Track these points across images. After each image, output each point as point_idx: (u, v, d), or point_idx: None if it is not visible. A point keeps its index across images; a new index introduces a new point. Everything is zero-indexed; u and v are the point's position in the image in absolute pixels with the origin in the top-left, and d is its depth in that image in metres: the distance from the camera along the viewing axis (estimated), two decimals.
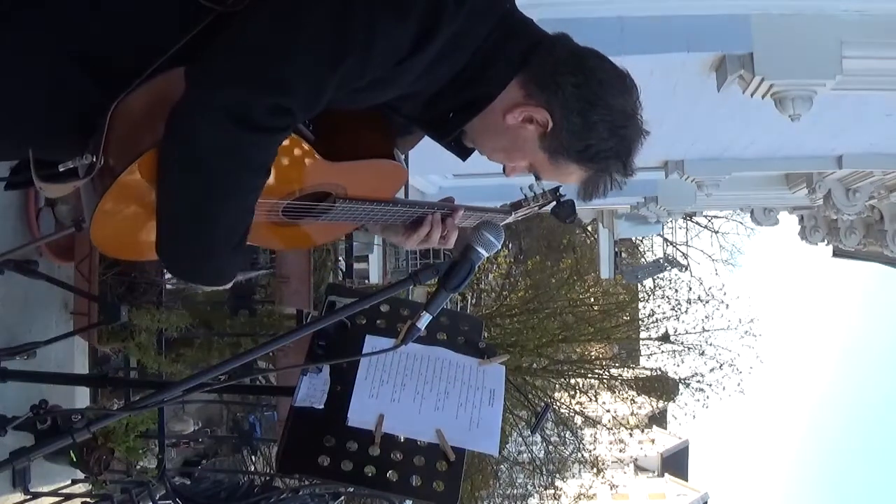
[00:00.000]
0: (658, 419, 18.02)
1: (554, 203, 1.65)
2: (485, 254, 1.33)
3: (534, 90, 1.27)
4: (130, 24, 1.18)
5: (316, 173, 1.33)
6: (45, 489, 4.03)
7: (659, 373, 13.82)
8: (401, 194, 1.50)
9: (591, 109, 1.25)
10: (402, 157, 1.45)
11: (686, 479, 26.03)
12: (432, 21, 1.16)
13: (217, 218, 1.18)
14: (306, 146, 1.28)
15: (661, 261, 12.79)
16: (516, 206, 1.65)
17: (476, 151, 1.43)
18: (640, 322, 13.80)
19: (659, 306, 13.77)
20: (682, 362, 13.42)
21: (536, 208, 1.67)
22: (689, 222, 18.19)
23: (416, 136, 1.52)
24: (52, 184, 1.28)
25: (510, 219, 1.67)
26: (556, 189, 1.64)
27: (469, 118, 1.32)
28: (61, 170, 1.23)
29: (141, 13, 1.18)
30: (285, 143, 1.22)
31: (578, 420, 13.23)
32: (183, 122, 1.10)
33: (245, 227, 1.22)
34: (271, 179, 1.25)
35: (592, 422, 13.41)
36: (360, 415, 1.75)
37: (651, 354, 13.93)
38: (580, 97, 1.25)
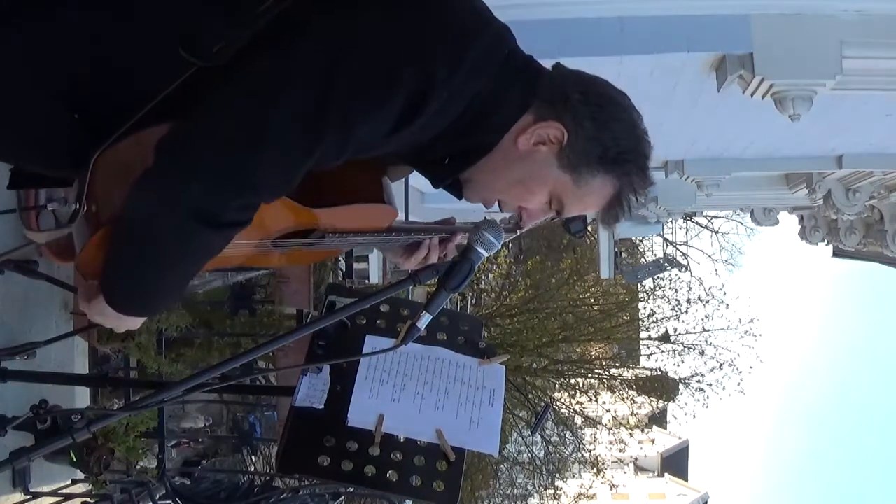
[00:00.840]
0: (658, 419, 18.02)
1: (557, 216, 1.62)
2: (485, 254, 1.32)
3: (543, 110, 1.23)
4: (114, 72, 1.15)
5: (298, 216, 1.32)
6: (45, 489, 4.03)
7: (659, 373, 13.83)
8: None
9: (601, 112, 1.24)
10: (391, 188, 1.42)
11: (686, 479, 26.04)
12: (420, 95, 1.12)
13: (162, 285, 1.23)
14: (286, 198, 1.26)
15: (661, 261, 12.79)
16: (517, 226, 1.57)
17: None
18: (640, 322, 13.81)
19: (659, 306, 13.80)
20: (682, 362, 13.45)
21: (547, 219, 1.63)
22: (689, 222, 18.22)
23: (406, 167, 1.47)
24: (41, 232, 1.31)
25: (515, 234, 1.59)
26: None
27: (466, 167, 1.28)
28: (49, 208, 1.25)
29: (125, 62, 1.14)
30: None
31: (578, 420, 13.24)
32: (146, 207, 1.10)
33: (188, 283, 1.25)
34: (250, 227, 1.23)
35: (592, 422, 13.42)
36: (360, 415, 1.75)
37: (651, 354, 13.95)
38: (588, 103, 1.23)
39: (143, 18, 1.14)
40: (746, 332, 13.56)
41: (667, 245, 17.89)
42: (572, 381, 12.92)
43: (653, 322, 13.71)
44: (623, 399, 13.62)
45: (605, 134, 1.24)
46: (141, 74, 1.14)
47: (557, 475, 13.24)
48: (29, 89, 1.16)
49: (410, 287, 1.47)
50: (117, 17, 1.14)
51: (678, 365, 13.50)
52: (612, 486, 14.13)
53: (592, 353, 14.26)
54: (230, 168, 1.07)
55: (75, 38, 1.14)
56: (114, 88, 1.15)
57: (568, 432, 13.02)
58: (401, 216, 1.48)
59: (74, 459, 4.14)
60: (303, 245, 1.41)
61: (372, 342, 1.85)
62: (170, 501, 3.63)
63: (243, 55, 1.10)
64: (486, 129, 1.24)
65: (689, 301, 13.50)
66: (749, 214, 8.55)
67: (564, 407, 12.97)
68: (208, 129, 1.08)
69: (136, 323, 1.30)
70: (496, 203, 1.34)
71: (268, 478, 4.47)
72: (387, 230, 1.42)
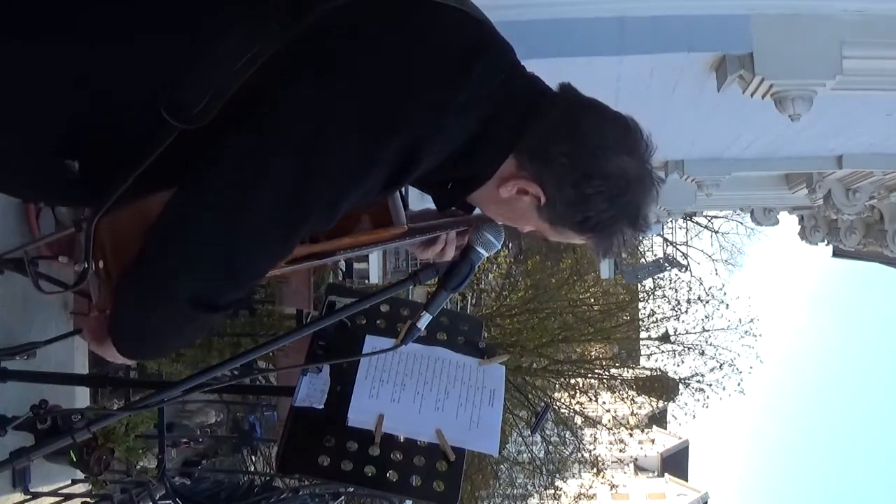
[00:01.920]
0: (658, 419, 18.02)
1: None
2: (485, 254, 1.32)
3: (525, 162, 1.20)
4: (101, 135, 1.12)
5: (311, 249, 1.34)
6: (45, 489, 4.03)
7: (659, 373, 13.82)
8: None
9: (585, 181, 1.18)
10: (398, 199, 1.41)
11: (686, 479, 26.04)
12: (409, 157, 1.11)
13: (166, 346, 1.32)
14: None
15: (661, 261, 12.78)
16: None
17: None
18: (640, 322, 13.81)
19: (659, 306, 13.79)
20: (682, 362, 13.45)
21: None
22: (689, 222, 18.21)
23: None
24: (52, 294, 1.35)
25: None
26: None
27: (467, 194, 1.28)
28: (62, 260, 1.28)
29: (107, 125, 1.11)
30: None
31: (578, 420, 13.24)
32: (141, 300, 1.15)
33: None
34: None
35: (592, 422, 13.41)
36: (360, 415, 1.75)
37: (651, 354, 13.95)
38: (573, 167, 1.18)
39: (120, 78, 1.10)
40: (746, 332, 13.56)
41: (667, 245, 17.89)
42: (572, 381, 12.92)
43: (653, 322, 13.72)
44: (623, 399, 13.61)
45: (587, 206, 1.20)
46: (126, 136, 1.11)
47: (557, 475, 13.24)
48: (24, 149, 1.14)
49: (410, 287, 1.47)
50: (77, 84, 1.09)
51: (678, 365, 13.50)
52: (612, 486, 14.13)
53: (592, 353, 14.26)
54: (218, 262, 1.10)
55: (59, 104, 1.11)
56: (106, 145, 1.12)
57: (568, 432, 13.02)
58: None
59: (74, 459, 4.13)
60: (315, 262, 1.42)
61: (372, 342, 1.85)
62: (170, 501, 3.63)
63: (227, 114, 1.08)
64: (479, 163, 1.22)
65: (689, 301, 13.50)
66: (749, 214, 8.55)
67: (564, 407, 12.96)
68: (193, 223, 1.09)
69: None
70: None
71: (268, 478, 4.47)
72: (399, 236, 1.41)
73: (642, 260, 16.41)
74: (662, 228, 14.79)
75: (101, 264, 1.22)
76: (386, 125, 1.09)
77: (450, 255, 1.46)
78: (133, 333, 1.24)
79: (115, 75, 1.09)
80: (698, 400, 13.16)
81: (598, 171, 1.18)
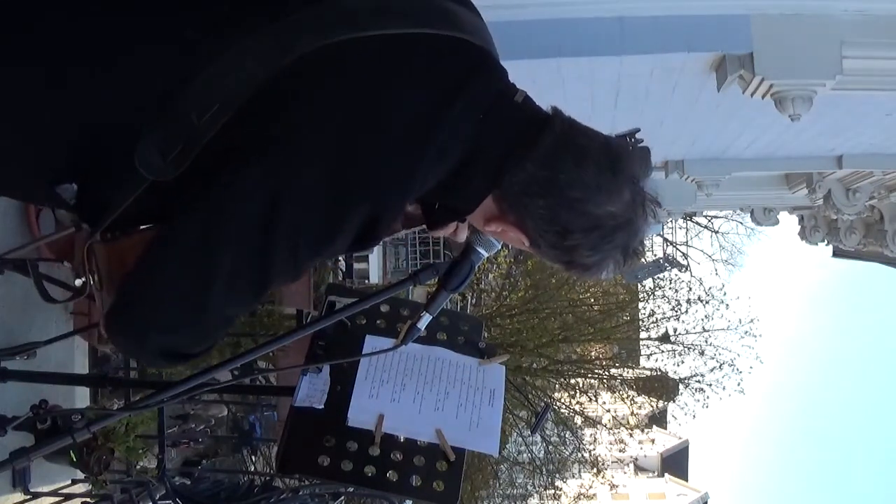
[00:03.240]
0: (658, 419, 18.02)
1: None
2: (485, 254, 1.32)
3: (506, 208, 1.18)
4: (94, 162, 1.11)
5: None
6: (45, 489, 4.02)
7: (659, 373, 13.82)
8: None
9: (566, 234, 1.16)
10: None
11: (686, 479, 26.05)
12: (372, 222, 1.11)
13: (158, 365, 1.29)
14: None
15: (661, 261, 12.76)
16: None
17: None
18: (640, 322, 13.80)
19: (659, 306, 13.78)
20: (682, 362, 13.44)
21: None
22: (689, 222, 18.20)
23: None
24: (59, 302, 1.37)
25: None
26: None
27: (453, 219, 1.28)
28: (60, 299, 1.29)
29: (98, 154, 1.11)
30: None
31: (578, 420, 13.24)
32: (118, 342, 1.16)
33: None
34: None
35: (592, 422, 13.41)
36: (360, 415, 1.75)
37: (651, 354, 13.95)
38: (551, 221, 1.16)
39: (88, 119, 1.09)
40: (746, 332, 13.56)
41: (667, 245, 17.88)
42: (572, 381, 12.91)
43: (653, 322, 13.71)
44: (623, 399, 13.61)
45: (571, 253, 1.19)
46: (116, 163, 1.10)
47: (557, 475, 13.24)
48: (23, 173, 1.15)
49: (410, 287, 1.47)
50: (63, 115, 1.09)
51: (678, 365, 13.50)
52: (612, 486, 14.13)
53: (592, 353, 14.25)
54: (185, 320, 1.11)
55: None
56: (101, 170, 1.12)
57: (568, 432, 13.02)
58: None
59: (74, 459, 4.13)
60: None
61: (372, 342, 1.85)
62: (170, 501, 3.63)
63: (200, 163, 1.07)
64: (459, 199, 1.21)
65: (689, 301, 13.49)
66: (749, 214, 8.55)
67: (564, 407, 12.96)
68: (160, 281, 1.09)
69: None
70: None
71: (268, 478, 4.47)
72: (404, 225, 1.39)
73: (642, 260, 16.42)
74: (662, 228, 14.78)
75: (96, 278, 1.22)
76: (353, 191, 1.07)
77: (462, 236, 1.41)
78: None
79: (98, 108, 1.08)
80: (698, 400, 13.17)
81: (578, 226, 1.15)
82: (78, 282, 1.25)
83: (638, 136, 1.37)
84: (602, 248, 1.18)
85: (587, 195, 1.14)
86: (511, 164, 1.14)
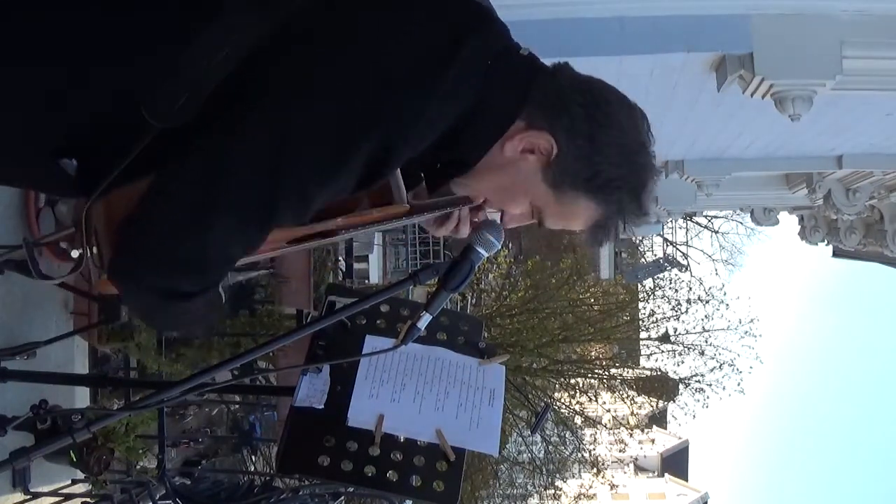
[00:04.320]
0: (658, 419, 18.03)
1: None
2: (485, 254, 1.32)
3: (535, 116, 1.16)
4: (94, 132, 1.12)
5: (303, 230, 1.29)
6: (45, 489, 4.03)
7: (659, 373, 13.84)
8: None
9: (599, 131, 1.15)
10: (399, 178, 1.35)
11: (686, 479, 26.06)
12: (379, 162, 1.09)
13: (160, 325, 1.27)
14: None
15: (661, 261, 12.79)
16: None
17: None
18: (640, 322, 13.82)
19: (659, 306, 13.80)
20: (682, 362, 13.46)
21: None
22: (689, 222, 18.22)
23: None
24: (48, 280, 1.35)
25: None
26: None
27: (456, 175, 1.24)
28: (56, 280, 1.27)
29: (97, 123, 1.11)
30: None
31: (578, 420, 13.24)
32: (117, 285, 1.13)
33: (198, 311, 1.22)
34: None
35: (592, 422, 13.42)
36: (360, 415, 1.75)
37: (651, 354, 13.96)
38: (587, 118, 1.15)
39: (98, 78, 1.10)
40: (746, 332, 13.57)
41: (667, 245, 17.89)
42: (572, 381, 12.92)
43: (653, 322, 13.73)
44: (623, 399, 13.62)
45: (599, 157, 1.16)
46: (117, 128, 1.11)
47: (557, 475, 13.24)
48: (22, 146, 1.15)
49: (410, 287, 1.46)
50: (74, 81, 1.09)
51: (678, 365, 13.52)
52: (612, 486, 14.14)
53: (592, 353, 14.26)
54: (183, 259, 1.08)
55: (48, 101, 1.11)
56: (102, 140, 1.12)
57: (568, 432, 13.02)
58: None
59: (74, 459, 4.13)
60: (319, 241, 1.38)
61: (372, 342, 1.85)
62: (170, 501, 3.63)
63: (205, 110, 1.06)
64: (473, 143, 1.19)
65: (689, 301, 13.51)
66: (749, 214, 8.55)
67: (564, 407, 12.96)
68: (160, 217, 1.07)
69: None
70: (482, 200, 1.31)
71: (268, 478, 4.47)
72: (406, 214, 1.36)
73: (642, 260, 16.43)
74: (662, 228, 14.79)
75: (95, 251, 1.21)
76: (361, 125, 1.06)
77: (465, 232, 1.39)
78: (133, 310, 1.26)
79: (99, 71, 1.09)
80: (698, 400, 13.18)
81: (614, 122, 1.16)
82: (75, 253, 1.24)
83: None
84: (629, 161, 1.18)
85: (620, 103, 1.19)
86: (538, 79, 1.17)
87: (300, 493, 3.39)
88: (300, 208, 1.09)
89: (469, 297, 13.08)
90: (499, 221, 1.31)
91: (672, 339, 13.52)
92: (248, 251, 1.14)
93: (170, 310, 1.16)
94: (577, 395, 13.11)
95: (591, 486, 13.64)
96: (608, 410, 13.71)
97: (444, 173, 1.26)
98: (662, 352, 13.66)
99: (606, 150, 1.16)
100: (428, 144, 1.14)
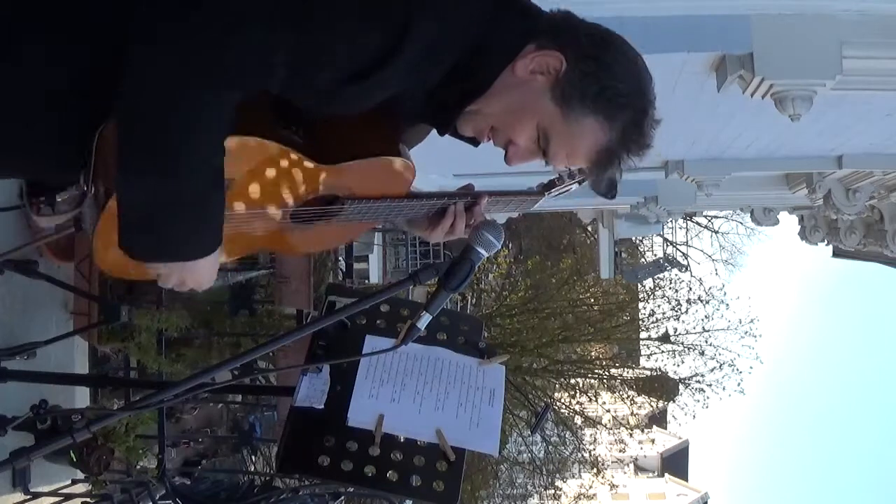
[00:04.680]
0: (658, 419, 18.05)
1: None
2: (485, 254, 1.32)
3: (545, 41, 1.22)
4: (105, 61, 1.12)
5: (312, 177, 1.29)
6: (45, 489, 4.02)
7: (659, 373, 13.84)
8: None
9: (606, 53, 1.22)
10: (409, 151, 1.39)
11: (686, 479, 26.05)
12: (402, 32, 1.11)
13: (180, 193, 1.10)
14: (295, 155, 1.24)
15: (661, 261, 12.78)
16: (549, 186, 1.53)
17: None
18: (640, 322, 13.83)
19: (659, 306, 13.82)
20: (682, 362, 13.48)
21: (574, 184, 1.53)
22: (689, 222, 18.21)
23: (420, 129, 1.45)
24: (44, 217, 1.30)
25: (541, 201, 1.55)
26: None
27: (469, 102, 1.27)
28: (59, 199, 1.23)
29: (113, 48, 1.11)
30: (273, 151, 1.20)
31: (578, 420, 13.25)
32: (136, 79, 1.05)
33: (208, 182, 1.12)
34: (260, 189, 1.24)
35: (592, 422, 13.43)
36: (360, 415, 1.75)
37: (651, 354, 13.97)
38: (595, 43, 1.22)
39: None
40: (746, 332, 13.58)
41: (667, 245, 17.89)
42: (572, 381, 12.93)
43: (653, 322, 13.74)
44: (623, 399, 13.63)
45: (606, 74, 1.22)
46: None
47: (557, 475, 13.25)
48: (40, 90, 1.15)
49: (410, 287, 1.46)
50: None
51: (678, 365, 13.53)
52: (612, 486, 14.15)
53: (592, 353, 14.27)
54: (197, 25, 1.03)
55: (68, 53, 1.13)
56: (112, 66, 1.11)
57: (568, 432, 13.03)
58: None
59: (74, 459, 4.14)
60: (323, 216, 1.38)
61: (372, 342, 1.85)
62: (170, 501, 3.63)
63: None
64: (484, 69, 1.23)
65: (689, 301, 13.53)
66: (749, 214, 8.55)
67: (564, 407, 12.97)
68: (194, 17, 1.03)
69: (200, 269, 1.21)
70: (488, 136, 1.32)
71: (268, 478, 4.47)
72: (407, 196, 1.38)
73: (642, 260, 16.42)
74: (662, 228, 14.78)
75: (101, 189, 1.18)
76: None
77: (460, 230, 1.42)
78: (142, 200, 1.10)
79: None
80: (698, 400, 13.19)
81: (620, 50, 1.24)
82: (76, 190, 1.21)
83: None
84: (633, 83, 1.24)
85: (623, 43, 1.26)
86: (546, 20, 1.24)
87: (300, 493, 3.39)
88: (324, 30, 1.08)
89: (469, 297, 13.09)
90: (505, 155, 1.32)
91: (672, 339, 13.53)
92: (269, 27, 1.07)
93: (184, 110, 1.05)
94: (577, 395, 13.12)
95: (591, 486, 13.65)
96: (608, 410, 13.72)
97: (458, 105, 1.27)
98: (662, 352, 13.68)
99: (614, 69, 1.22)
100: (447, 69, 1.19)
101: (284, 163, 1.24)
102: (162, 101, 1.04)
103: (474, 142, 1.36)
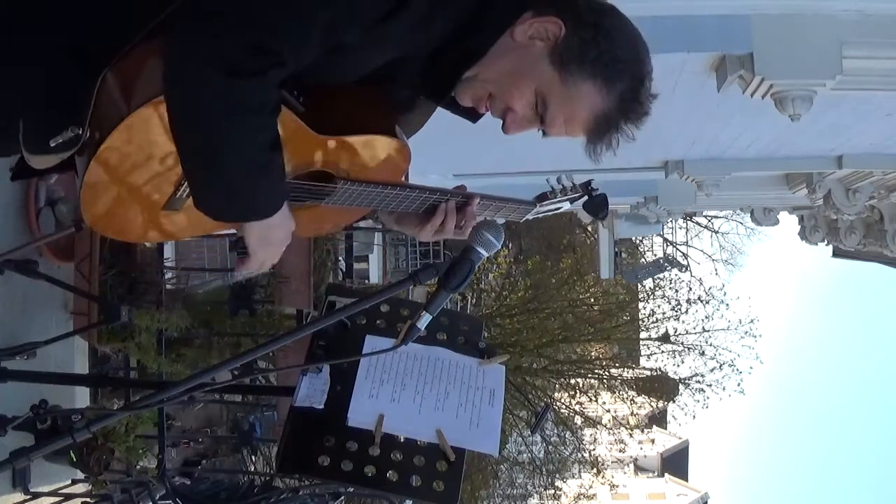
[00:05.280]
0: (658, 419, 18.04)
1: (585, 197, 1.53)
2: (485, 254, 1.32)
3: (543, 7, 1.24)
4: (109, 7, 1.18)
5: (308, 148, 1.28)
6: (45, 489, 4.02)
7: (659, 373, 13.84)
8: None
9: (605, 20, 1.24)
10: (406, 138, 1.38)
11: (686, 479, 26.04)
12: None
13: (228, 158, 1.14)
14: (294, 117, 1.23)
15: (661, 261, 12.77)
16: (542, 198, 1.53)
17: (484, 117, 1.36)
18: (640, 322, 13.83)
19: (659, 306, 13.82)
20: (682, 362, 13.47)
21: (566, 203, 1.55)
22: (689, 222, 18.21)
23: (419, 115, 1.44)
24: (39, 155, 1.31)
25: (532, 213, 1.56)
26: (588, 183, 1.53)
27: (468, 67, 1.28)
28: (52, 144, 1.23)
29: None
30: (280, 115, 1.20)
31: (578, 420, 13.25)
32: (175, 80, 1.10)
33: (262, 156, 1.16)
34: None
35: (592, 422, 13.43)
36: (360, 415, 1.75)
37: (651, 354, 13.97)
38: (593, 10, 1.24)
39: None
40: (746, 332, 13.57)
41: (667, 245, 17.90)
42: (572, 381, 12.93)
43: (653, 322, 13.74)
44: (623, 399, 13.63)
45: (604, 40, 1.23)
46: (133, 6, 1.17)
47: (557, 475, 13.25)
48: (41, 51, 1.19)
49: (410, 287, 1.46)
50: None
51: (678, 365, 13.53)
52: (612, 486, 14.15)
53: (592, 354, 14.27)
54: (242, 15, 1.07)
55: None
56: (109, 24, 1.17)
57: (568, 432, 13.03)
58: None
59: (74, 459, 4.13)
60: (316, 194, 1.37)
61: (372, 342, 1.85)
62: (170, 501, 3.63)
63: None
64: (483, 32, 1.24)
65: (689, 301, 13.52)
66: (749, 214, 8.55)
67: (564, 407, 12.97)
68: None
69: (278, 232, 1.28)
70: (486, 105, 1.31)
71: (268, 478, 4.47)
72: (400, 185, 1.38)
73: (642, 260, 16.43)
74: (662, 228, 14.78)
75: (96, 135, 1.19)
76: None
77: (449, 229, 1.42)
78: (204, 167, 1.16)
79: None
80: (698, 400, 13.19)
81: (618, 18, 1.26)
82: (71, 132, 1.22)
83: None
84: (630, 50, 1.26)
85: (621, 15, 1.28)
86: None
87: (300, 493, 3.39)
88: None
89: (469, 297, 13.09)
90: (503, 124, 1.31)
91: (672, 339, 13.52)
92: (305, 32, 1.11)
93: (229, 99, 1.09)
94: (577, 395, 13.12)
95: (591, 486, 13.65)
96: (608, 410, 13.72)
97: (456, 70, 1.28)
98: (662, 352, 13.68)
99: (612, 35, 1.24)
100: (451, 30, 1.21)
101: (286, 124, 1.22)
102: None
103: (473, 115, 1.36)
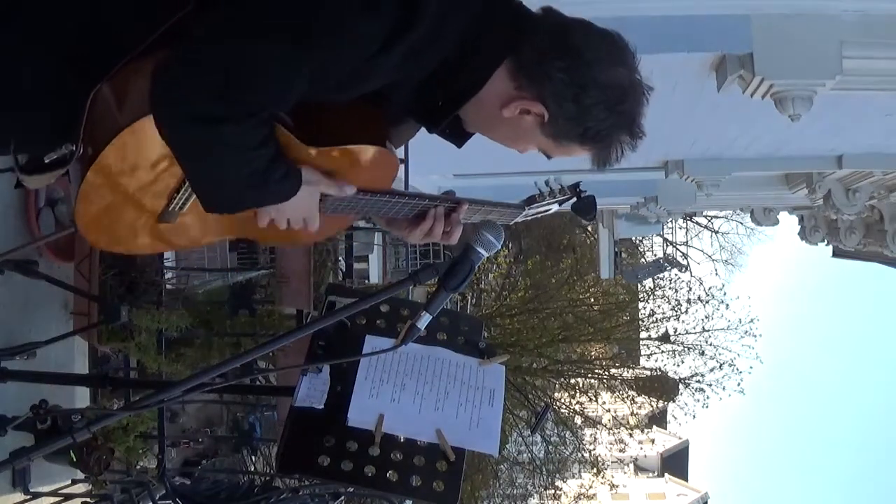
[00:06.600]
0: (658, 419, 18.03)
1: (574, 199, 1.56)
2: (485, 254, 1.32)
3: (524, 82, 1.27)
4: (105, 23, 1.20)
5: (298, 159, 1.29)
6: (45, 489, 4.02)
7: (659, 373, 13.84)
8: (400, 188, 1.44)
9: (583, 93, 1.25)
10: (395, 150, 1.40)
11: (686, 479, 26.04)
12: (406, 14, 1.16)
13: (225, 190, 1.22)
14: (284, 131, 1.25)
15: (661, 261, 12.78)
16: (530, 201, 1.55)
17: (472, 138, 1.42)
18: (640, 322, 13.83)
19: (659, 306, 13.82)
20: (682, 362, 13.47)
21: (555, 205, 1.57)
22: (689, 222, 18.22)
23: (409, 127, 1.47)
24: (34, 175, 1.32)
25: (521, 216, 1.58)
26: (576, 185, 1.55)
27: (458, 107, 1.32)
28: (46, 161, 1.24)
29: (114, 12, 1.21)
30: None
31: (578, 420, 13.25)
32: (163, 123, 1.14)
33: (261, 161, 1.20)
34: None
35: (592, 422, 13.43)
36: (360, 415, 1.75)
37: (651, 354, 13.97)
38: (570, 83, 1.25)
39: None
40: (746, 332, 13.57)
41: (667, 245, 17.90)
42: (572, 381, 12.93)
43: (653, 322, 13.73)
44: (623, 399, 13.63)
45: (587, 117, 1.27)
46: (127, 22, 1.20)
47: (557, 475, 13.25)
48: (33, 58, 1.20)
49: (410, 287, 1.47)
50: None
51: (678, 365, 13.53)
52: (612, 486, 14.14)
53: (592, 353, 14.27)
54: (222, 77, 1.10)
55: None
56: (103, 38, 1.20)
57: (568, 432, 13.03)
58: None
59: (74, 459, 4.13)
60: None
61: (372, 342, 1.85)
62: (170, 501, 3.63)
63: None
64: (470, 72, 1.28)
65: (689, 301, 13.52)
66: (749, 214, 8.55)
67: (564, 407, 12.97)
68: (200, 45, 1.12)
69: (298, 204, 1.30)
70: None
71: (268, 478, 4.47)
72: (389, 192, 1.40)
73: (642, 260, 16.44)
74: (662, 228, 14.79)
75: (89, 150, 1.21)
76: None
77: (437, 233, 1.44)
78: (204, 178, 1.22)
79: None
80: (698, 400, 13.19)
81: (595, 82, 1.26)
82: (64, 149, 1.24)
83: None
84: (615, 111, 1.27)
85: (599, 55, 1.27)
86: (524, 34, 1.27)
87: (300, 493, 3.39)
88: (336, 37, 1.15)
89: (469, 297, 13.09)
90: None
91: (672, 339, 13.53)
92: (287, 64, 1.14)
93: (215, 141, 1.14)
94: (577, 395, 13.12)
95: (591, 486, 13.65)
96: (608, 410, 13.71)
97: (449, 105, 1.33)
98: (662, 352, 13.68)
99: (592, 110, 1.27)
100: (433, 64, 1.24)
101: (278, 139, 1.23)
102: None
103: (459, 141, 1.43)
